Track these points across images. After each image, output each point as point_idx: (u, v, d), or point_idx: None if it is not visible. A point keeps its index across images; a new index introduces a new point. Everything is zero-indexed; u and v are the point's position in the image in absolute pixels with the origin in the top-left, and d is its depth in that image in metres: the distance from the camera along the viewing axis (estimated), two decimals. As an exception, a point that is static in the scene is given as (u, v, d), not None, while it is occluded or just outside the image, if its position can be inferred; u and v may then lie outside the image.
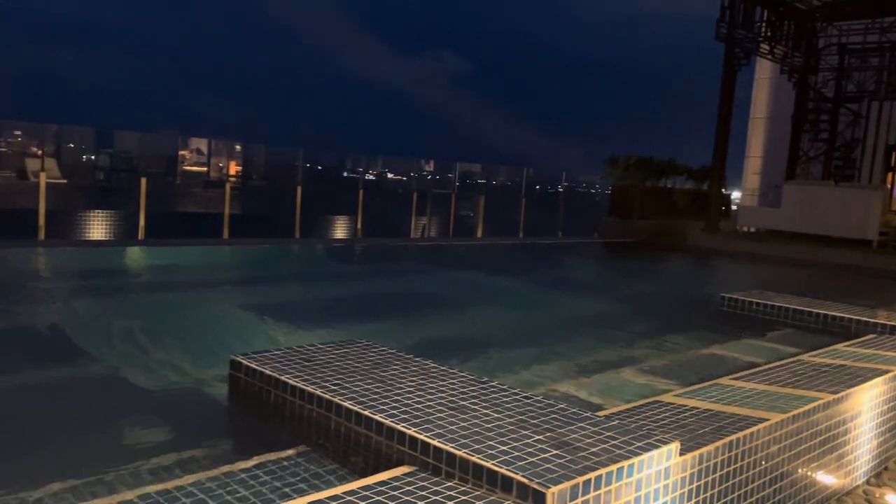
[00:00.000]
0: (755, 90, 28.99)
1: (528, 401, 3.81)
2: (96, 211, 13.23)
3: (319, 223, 16.46)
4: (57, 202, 12.92)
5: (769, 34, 23.07)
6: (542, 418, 3.53)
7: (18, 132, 22.50)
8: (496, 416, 3.52)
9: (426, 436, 3.19)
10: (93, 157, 22.58)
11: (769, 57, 23.51)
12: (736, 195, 28.26)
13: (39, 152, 21.45)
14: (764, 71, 27.90)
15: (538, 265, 14.28)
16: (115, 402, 4.64)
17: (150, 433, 4.04)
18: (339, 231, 16.77)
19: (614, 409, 4.23)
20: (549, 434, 3.31)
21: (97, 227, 12.97)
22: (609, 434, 3.35)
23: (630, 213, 20.23)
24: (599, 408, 4.57)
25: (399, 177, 28.63)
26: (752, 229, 22.74)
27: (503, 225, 18.48)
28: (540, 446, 3.15)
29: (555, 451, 3.09)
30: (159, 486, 3.18)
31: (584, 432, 3.36)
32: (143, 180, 12.70)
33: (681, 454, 3.35)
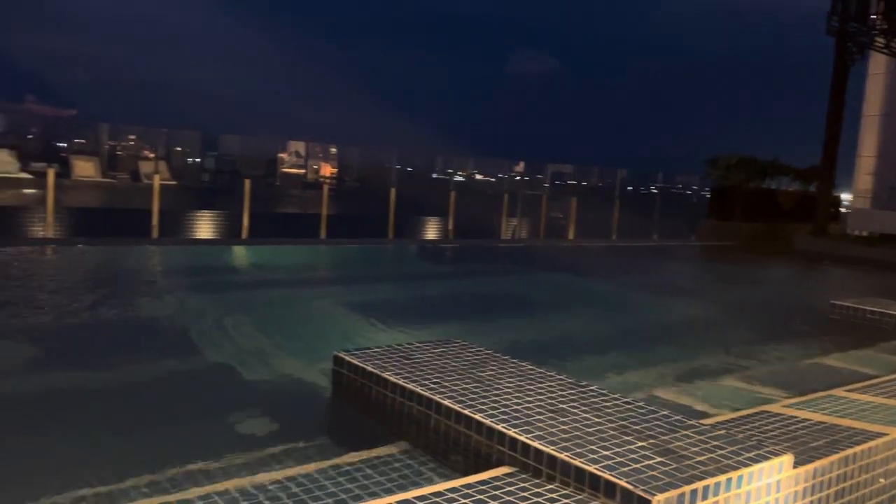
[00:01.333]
0: (868, 86, 27.24)
1: (630, 406, 3.74)
2: (203, 211, 13.91)
3: (411, 224, 16.70)
4: (167, 203, 13.66)
5: (885, 27, 21.64)
6: (645, 424, 3.46)
7: (132, 136, 24.04)
8: (597, 420, 3.48)
9: (527, 437, 3.19)
10: (198, 160, 23.84)
11: (885, 51, 22.05)
12: (846, 197, 26.68)
13: (151, 155, 22.83)
14: (878, 66, 26.17)
15: (633, 268, 13.97)
16: (225, 394, 4.87)
17: (258, 424, 4.22)
18: (431, 232, 16.97)
19: (720, 418, 4.09)
20: (652, 441, 3.24)
21: (204, 227, 13.64)
22: (716, 443, 3.25)
23: (731, 215, 19.46)
24: (703, 416, 4.44)
25: (488, 178, 28.72)
26: (865, 233, 21.40)
27: (595, 227, 18.17)
28: (644, 453, 3.09)
29: (659, 459, 3.03)
30: (270, 475, 3.33)
31: (689, 440, 3.27)
32: (248, 182, 13.28)
33: (794, 467, 3.21)
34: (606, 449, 3.11)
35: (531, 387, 3.96)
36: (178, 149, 24.17)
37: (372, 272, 11.35)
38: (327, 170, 27.07)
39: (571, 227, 17.79)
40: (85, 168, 18.04)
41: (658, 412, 3.68)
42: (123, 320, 6.73)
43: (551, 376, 4.19)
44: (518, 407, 3.59)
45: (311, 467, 3.41)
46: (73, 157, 18.96)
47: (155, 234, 11.93)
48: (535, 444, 3.13)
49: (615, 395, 3.92)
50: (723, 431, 3.45)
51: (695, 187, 26.42)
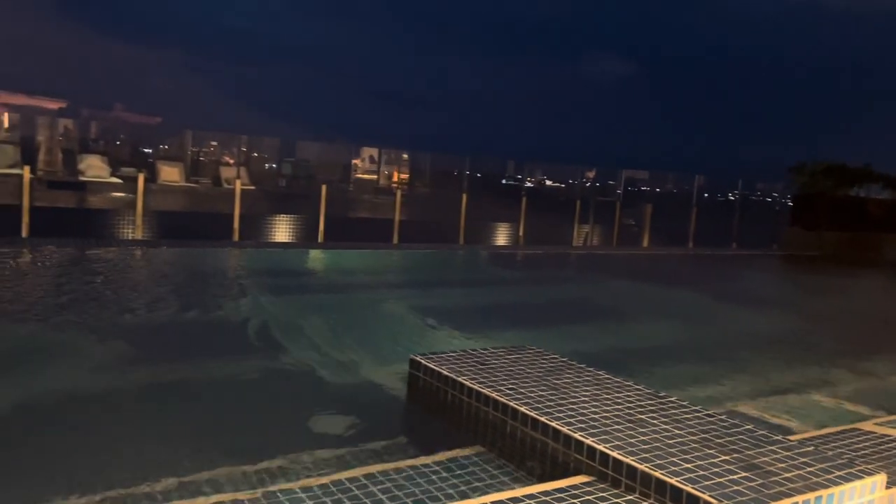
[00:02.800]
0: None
1: (711, 419, 3.65)
2: (280, 215, 14.30)
3: (482, 230, 16.72)
4: (247, 207, 14.12)
5: None
6: (728, 438, 3.37)
7: (214, 143, 24.95)
8: (678, 432, 3.41)
9: (605, 447, 3.16)
10: (274, 166, 24.51)
11: None
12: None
13: (232, 161, 23.65)
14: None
15: (711, 277, 13.58)
16: (303, 393, 5.01)
17: (336, 423, 4.32)
18: (502, 238, 16.94)
19: (807, 434, 3.95)
20: (736, 455, 3.16)
21: (282, 230, 14.02)
22: (804, 460, 3.13)
23: (816, 223, 18.66)
24: (789, 431, 4.28)
25: (558, 184, 28.43)
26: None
27: (671, 234, 17.75)
28: (727, 467, 3.01)
29: (744, 474, 2.95)
30: (349, 473, 3.40)
31: (775, 456, 3.17)
32: (324, 187, 13.60)
33: (887, 487, 3.07)
34: (688, 462, 3.05)
35: (608, 396, 3.91)
36: (256, 154, 24.89)
37: (443, 277, 11.43)
38: (399, 175, 27.40)
39: (646, 234, 17.43)
40: (170, 173, 18.80)
41: (741, 426, 3.58)
42: (206, 319, 7.00)
43: (629, 386, 4.13)
44: (595, 416, 3.56)
45: (388, 466, 3.47)
46: (159, 162, 19.77)
47: (236, 237, 12.36)
48: (614, 454, 3.09)
49: (696, 408, 3.84)
50: (811, 448, 3.32)
51: (775, 194, 25.47)
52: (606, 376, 4.30)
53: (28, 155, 16.93)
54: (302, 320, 6.98)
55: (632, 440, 3.25)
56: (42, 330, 6.01)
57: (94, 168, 17.04)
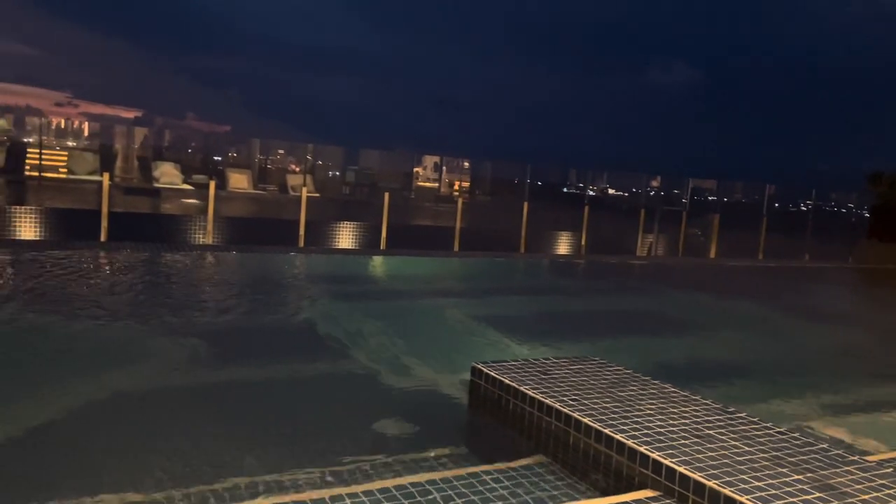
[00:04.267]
0: None
1: (783, 436, 3.54)
2: (344, 222, 14.54)
3: (543, 238, 16.61)
4: (312, 213, 14.39)
5: None
6: (801, 457, 3.26)
7: (281, 151, 25.60)
8: (747, 449, 3.32)
9: (672, 461, 3.10)
10: (337, 174, 24.95)
11: None
12: None
13: (298, 169, 24.20)
14: None
15: (781, 290, 13.14)
16: (365, 397, 5.07)
17: (398, 428, 4.36)
18: (563, 247, 16.78)
19: (885, 456, 3.77)
20: (809, 475, 3.05)
21: (345, 237, 14.25)
22: (882, 482, 3.00)
23: (895, 236, 17.83)
24: (866, 452, 4.11)
25: (620, 192, 27.98)
26: None
27: (740, 245, 17.24)
28: (800, 487, 2.91)
29: (818, 494, 2.84)
30: (410, 479, 3.43)
31: (851, 477, 3.05)
32: (387, 195, 13.76)
33: (976, 516, 2.91)
34: (759, 480, 2.96)
35: (674, 410, 3.83)
36: (320, 162, 25.37)
37: (504, 285, 11.40)
38: (460, 183, 27.49)
39: (713, 245, 16.99)
40: (239, 180, 19.34)
41: (815, 445, 3.46)
42: (272, 323, 7.17)
43: (696, 400, 4.04)
44: (661, 430, 3.49)
45: (448, 474, 3.49)
46: (228, 169, 20.34)
47: (301, 243, 12.62)
48: (681, 469, 3.03)
49: (766, 425, 3.72)
50: (890, 469, 3.18)
51: (850, 205, 24.47)
52: (672, 389, 4.21)
53: (106, 162, 17.73)
54: (364, 326, 7.08)
55: (699, 455, 3.18)
56: (119, 331, 6.27)
57: (167, 175, 17.67)
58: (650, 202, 20.62)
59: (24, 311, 6.65)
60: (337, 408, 4.80)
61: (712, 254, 17.00)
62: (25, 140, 19.90)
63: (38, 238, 10.81)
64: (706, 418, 3.72)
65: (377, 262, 12.17)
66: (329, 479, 3.51)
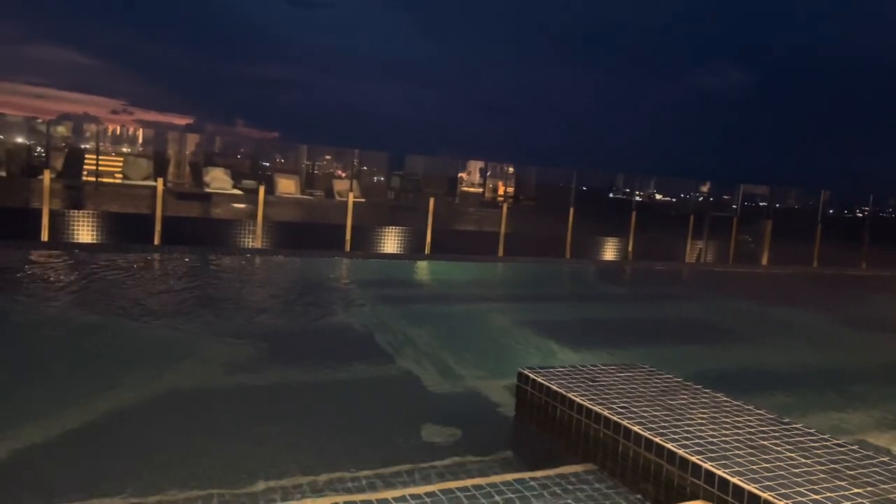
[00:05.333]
0: None
1: (841, 449, 3.43)
2: (389, 227, 14.63)
3: (589, 244, 16.45)
4: (357, 218, 14.54)
5: None
6: (860, 470, 3.16)
7: (328, 156, 25.95)
8: (804, 461, 3.23)
9: (725, 472, 3.03)
10: (381, 179, 25.16)
11: None
12: None
13: (344, 174, 24.50)
14: None
15: (837, 299, 12.74)
16: (411, 401, 5.09)
17: (444, 433, 4.36)
18: (609, 252, 16.59)
19: (952, 472, 3.62)
20: (870, 489, 2.95)
21: (390, 242, 14.35)
22: (950, 500, 2.88)
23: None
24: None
25: (668, 198, 27.52)
26: None
27: (793, 252, 16.77)
28: (860, 501, 2.82)
29: (880, 510, 2.75)
30: (457, 483, 3.43)
31: (916, 493, 2.93)
32: (432, 200, 13.82)
33: None
34: (816, 493, 2.88)
35: (727, 419, 3.75)
36: (365, 168, 25.60)
37: (549, 291, 11.33)
38: (504, 188, 27.43)
39: (765, 251, 16.57)
40: (287, 185, 19.65)
41: (875, 458, 3.35)
42: (319, 326, 7.26)
43: (749, 410, 3.95)
44: (714, 439, 3.42)
45: (496, 479, 3.48)
46: (276, 175, 20.68)
47: (347, 247, 12.76)
48: (735, 479, 2.96)
49: (823, 436, 3.61)
50: (958, 487, 3.05)
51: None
52: (725, 399, 4.12)
53: (159, 168, 18.22)
54: (410, 330, 7.11)
55: (753, 467, 3.11)
56: (171, 331, 6.43)
57: (218, 180, 18.07)
58: (699, 208, 20.22)
59: (82, 311, 6.87)
60: (383, 411, 4.83)
61: (764, 261, 16.59)
62: (83, 146, 20.59)
63: (95, 241, 11.16)
64: (760, 429, 3.63)
65: (422, 267, 12.22)
66: (376, 482, 3.53)
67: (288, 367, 5.62)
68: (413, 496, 3.25)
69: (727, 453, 3.24)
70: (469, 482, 3.42)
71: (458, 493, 3.27)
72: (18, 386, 4.70)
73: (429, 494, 3.28)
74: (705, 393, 4.21)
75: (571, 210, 15.18)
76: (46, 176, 11.04)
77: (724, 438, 3.44)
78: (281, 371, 5.52)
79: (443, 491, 3.31)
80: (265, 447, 3.94)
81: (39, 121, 21.75)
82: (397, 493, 3.33)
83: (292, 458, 3.79)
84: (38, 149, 19.32)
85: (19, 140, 19.66)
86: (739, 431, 3.56)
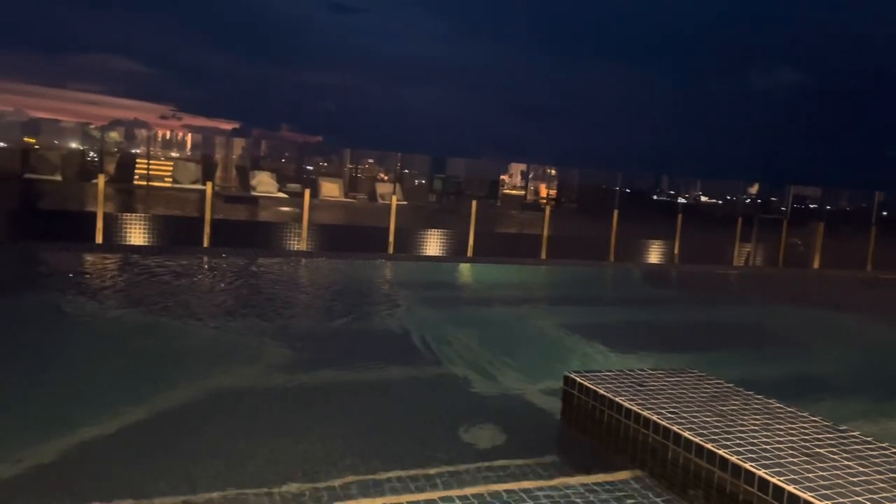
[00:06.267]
0: None
1: (902, 458, 3.32)
2: (431, 230, 14.69)
3: (633, 247, 16.25)
4: (399, 221, 14.63)
5: None
6: (923, 481, 3.05)
7: (370, 160, 26.18)
8: (861, 469, 3.13)
9: (779, 479, 2.96)
10: (423, 182, 25.28)
11: None
12: None
13: (386, 178, 24.68)
14: None
15: (892, 303, 12.34)
16: (455, 404, 5.09)
17: (488, 436, 4.36)
18: (654, 255, 16.36)
19: None
20: (934, 501, 2.85)
21: (432, 244, 14.40)
22: None
23: None
24: None
25: (715, 200, 27.03)
26: None
27: (845, 256, 16.30)
28: (924, 513, 2.73)
29: (945, 522, 2.65)
30: (503, 487, 3.42)
31: (983, 506, 2.82)
32: (474, 203, 13.83)
33: None
34: (875, 502, 2.79)
35: (780, 426, 3.66)
36: (406, 171, 25.74)
37: (593, 294, 11.23)
38: (547, 191, 27.28)
39: (817, 254, 16.14)
40: (330, 189, 19.86)
41: (939, 469, 3.23)
42: (363, 327, 7.33)
43: (803, 417, 3.85)
44: (767, 446, 3.35)
45: (543, 483, 3.46)
46: (320, 178, 20.92)
47: (391, 249, 12.86)
48: (790, 488, 2.89)
49: (882, 445, 3.50)
50: None
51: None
52: (777, 405, 4.03)
53: (207, 171, 18.62)
54: (453, 332, 7.12)
55: (809, 475, 3.03)
56: (220, 331, 6.57)
57: (264, 184, 18.37)
58: (747, 210, 19.80)
59: (134, 311, 7.06)
60: (426, 412, 4.84)
61: (816, 264, 16.16)
62: (134, 151, 21.17)
63: (146, 243, 11.46)
64: (815, 436, 3.54)
65: (464, 270, 12.24)
66: (421, 483, 3.54)
67: (332, 368, 5.69)
68: (460, 498, 3.25)
69: (781, 460, 3.17)
70: (516, 485, 3.41)
71: (506, 497, 3.26)
72: (73, 384, 4.85)
73: (476, 496, 3.28)
74: (757, 399, 4.12)
75: (615, 212, 15.01)
76: (101, 180, 11.38)
77: (777, 445, 3.36)
78: (324, 372, 5.59)
79: (490, 494, 3.31)
80: (308, 447, 3.99)
81: (92, 126, 22.46)
82: (443, 493, 3.34)
83: (336, 458, 3.83)
84: (91, 153, 19.94)
85: (73, 145, 20.32)
86: (794, 438, 3.48)
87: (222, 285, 9.11)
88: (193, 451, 3.86)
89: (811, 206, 22.28)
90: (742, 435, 3.48)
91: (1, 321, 6.44)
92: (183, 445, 3.95)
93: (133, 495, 3.22)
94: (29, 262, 9.44)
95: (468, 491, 3.36)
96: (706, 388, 4.29)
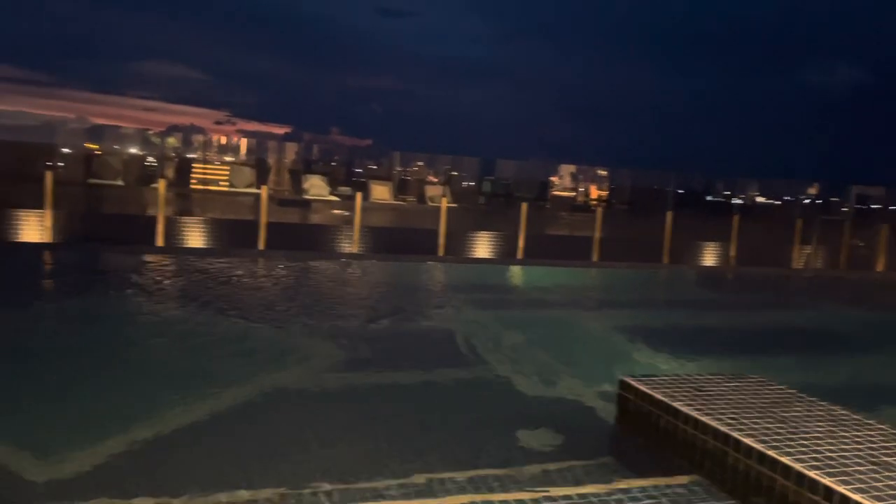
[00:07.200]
0: None
1: (977, 470, 3.19)
2: (481, 232, 14.70)
3: (687, 248, 15.96)
4: (449, 223, 14.69)
5: None
6: None
7: (419, 163, 26.35)
8: (934, 480, 3.02)
9: (846, 489, 2.88)
10: (472, 184, 25.31)
11: None
12: None
13: (435, 180, 24.81)
14: None
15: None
16: (506, 407, 5.09)
17: (541, 439, 4.35)
18: (709, 258, 16.04)
19: None
20: None
21: (482, 247, 14.41)
22: None
23: None
24: None
25: (771, 200, 26.38)
26: None
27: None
28: None
29: None
30: (561, 491, 3.41)
31: None
32: (524, 206, 13.80)
33: None
34: (950, 515, 2.69)
35: (846, 434, 3.56)
36: (455, 173, 25.80)
37: (646, 296, 11.07)
38: (598, 192, 27.01)
39: (881, 256, 15.57)
40: (381, 192, 20.07)
41: None
42: (414, 328, 7.39)
43: (870, 424, 3.74)
44: (832, 454, 3.26)
45: (601, 488, 3.44)
46: (371, 181, 21.15)
47: (441, 252, 12.92)
48: (857, 497, 2.81)
49: (956, 455, 3.37)
50: None
51: None
52: (843, 412, 3.92)
53: (261, 175, 19.03)
54: (505, 334, 7.12)
55: (877, 484, 2.94)
56: (274, 332, 6.71)
57: (316, 187, 18.67)
58: (806, 211, 19.25)
59: (194, 312, 7.27)
60: (478, 414, 4.86)
61: (880, 266, 15.60)
62: (191, 156, 21.79)
63: (205, 246, 11.78)
64: (883, 444, 3.43)
65: (515, 272, 12.22)
66: (477, 484, 3.56)
67: (383, 369, 5.75)
68: (518, 501, 3.26)
69: (847, 469, 3.08)
70: (573, 490, 3.40)
71: (561, 501, 3.25)
72: (136, 383, 5.03)
73: (533, 501, 3.28)
74: (821, 405, 4.01)
75: (669, 214, 14.78)
76: (161, 185, 11.75)
77: (843, 453, 3.27)
78: (376, 372, 5.65)
79: (546, 497, 3.31)
80: (361, 447, 4.05)
81: (150, 132, 23.19)
82: (499, 496, 3.35)
83: (389, 458, 3.87)
84: (150, 159, 20.60)
85: (133, 151, 21.02)
86: (860, 447, 3.38)
87: (277, 287, 9.31)
88: (251, 448, 3.96)
89: (873, 206, 21.52)
90: (805, 442, 3.40)
91: (80, 320, 6.72)
92: (237, 444, 4.05)
93: (187, 493, 3.31)
94: (96, 264, 9.81)
95: (524, 495, 3.37)
96: (767, 393, 4.20)
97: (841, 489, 2.88)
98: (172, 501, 3.18)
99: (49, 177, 11.05)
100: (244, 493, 3.28)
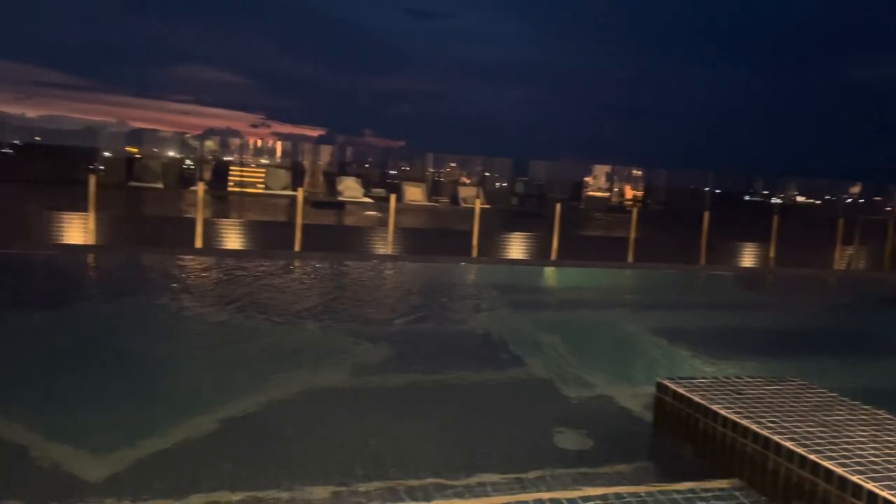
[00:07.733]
0: None
1: None
2: (514, 233, 14.67)
3: (725, 249, 15.72)
4: (482, 224, 14.68)
5: None
6: None
7: (452, 164, 26.39)
8: (984, 487, 2.96)
9: (890, 493, 2.84)
10: (504, 184, 25.27)
11: None
12: None
13: (468, 181, 24.83)
14: None
15: None
16: (542, 408, 5.09)
17: (579, 440, 4.35)
18: (747, 259, 15.77)
19: None
20: None
21: (516, 248, 14.38)
22: None
23: None
24: None
25: (812, 200, 25.86)
26: None
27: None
28: None
29: None
30: (597, 491, 3.41)
31: None
32: (558, 206, 13.73)
33: None
34: None
35: (890, 438, 3.50)
36: (488, 174, 25.79)
37: (683, 297, 10.95)
38: (632, 193, 26.76)
39: (927, 257, 15.16)
40: (414, 193, 20.16)
41: None
42: (450, 329, 7.41)
43: (916, 429, 3.66)
44: (876, 458, 3.21)
45: (639, 489, 3.43)
46: (404, 183, 21.25)
47: (474, 253, 12.93)
48: (903, 503, 2.77)
49: None
50: None
51: None
52: (886, 416, 3.85)
53: (296, 178, 19.25)
54: (539, 335, 7.11)
55: (924, 491, 2.89)
56: (311, 332, 6.80)
57: (350, 189, 18.83)
58: (848, 211, 18.82)
59: (233, 313, 7.40)
60: (515, 416, 4.87)
61: (925, 268, 15.18)
62: (227, 159, 22.14)
63: (242, 248, 11.97)
64: (930, 450, 3.36)
65: (549, 273, 12.18)
66: (514, 486, 3.57)
67: (419, 370, 5.78)
68: (553, 500, 3.27)
69: (892, 474, 3.03)
70: (610, 489, 3.40)
71: (599, 502, 3.26)
72: (178, 383, 5.14)
73: (570, 501, 3.29)
74: (864, 409, 3.94)
75: (706, 214, 14.57)
76: (200, 188, 11.96)
77: (887, 458, 3.22)
78: (412, 373, 5.69)
79: (584, 497, 3.31)
80: (398, 447, 4.09)
81: (188, 136, 23.61)
82: (535, 496, 3.36)
83: (426, 459, 3.90)
84: (188, 161, 20.99)
85: (172, 154, 21.44)
86: (906, 452, 3.32)
87: (314, 288, 9.42)
88: (295, 447, 4.03)
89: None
90: (848, 446, 3.35)
91: (125, 320, 6.90)
92: (277, 443, 4.12)
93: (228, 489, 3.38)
94: (137, 266, 10.04)
95: (562, 494, 3.38)
96: (808, 397, 4.14)
97: (885, 494, 2.84)
98: (179, 501, 3.24)
99: (92, 180, 11.33)
100: (251, 494, 3.35)
